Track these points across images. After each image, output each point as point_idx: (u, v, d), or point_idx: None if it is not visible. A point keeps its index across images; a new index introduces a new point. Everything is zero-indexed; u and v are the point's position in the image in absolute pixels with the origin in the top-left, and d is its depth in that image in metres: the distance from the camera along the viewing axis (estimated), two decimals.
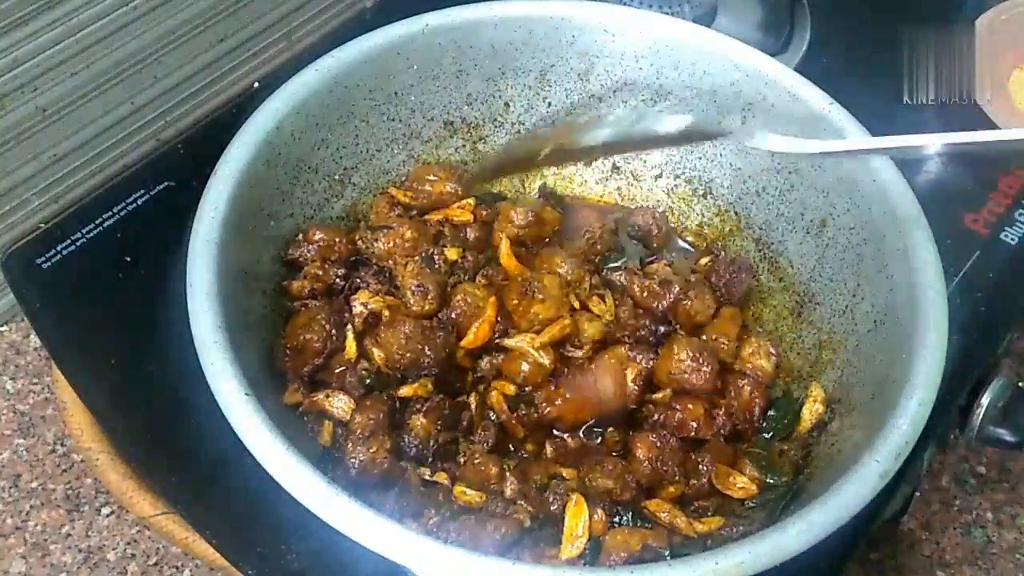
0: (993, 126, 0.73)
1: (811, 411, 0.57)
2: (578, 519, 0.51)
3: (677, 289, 0.59)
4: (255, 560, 0.53)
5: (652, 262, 0.64)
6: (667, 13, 0.75)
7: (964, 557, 0.72)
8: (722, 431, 0.56)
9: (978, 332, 0.63)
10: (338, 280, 0.59)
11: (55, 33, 0.64)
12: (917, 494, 0.72)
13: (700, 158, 0.66)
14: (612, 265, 0.63)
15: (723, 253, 0.65)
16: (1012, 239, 0.70)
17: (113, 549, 0.66)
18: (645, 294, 0.60)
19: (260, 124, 0.57)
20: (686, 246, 0.67)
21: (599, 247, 0.64)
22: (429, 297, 0.56)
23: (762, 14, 0.80)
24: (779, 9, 0.81)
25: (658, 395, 0.57)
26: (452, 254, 0.62)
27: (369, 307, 0.57)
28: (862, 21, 0.84)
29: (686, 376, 0.56)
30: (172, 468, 0.57)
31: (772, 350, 0.60)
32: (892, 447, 0.46)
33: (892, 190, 0.56)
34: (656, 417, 0.56)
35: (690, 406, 0.56)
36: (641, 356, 0.58)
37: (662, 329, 0.60)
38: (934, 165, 0.74)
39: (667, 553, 0.50)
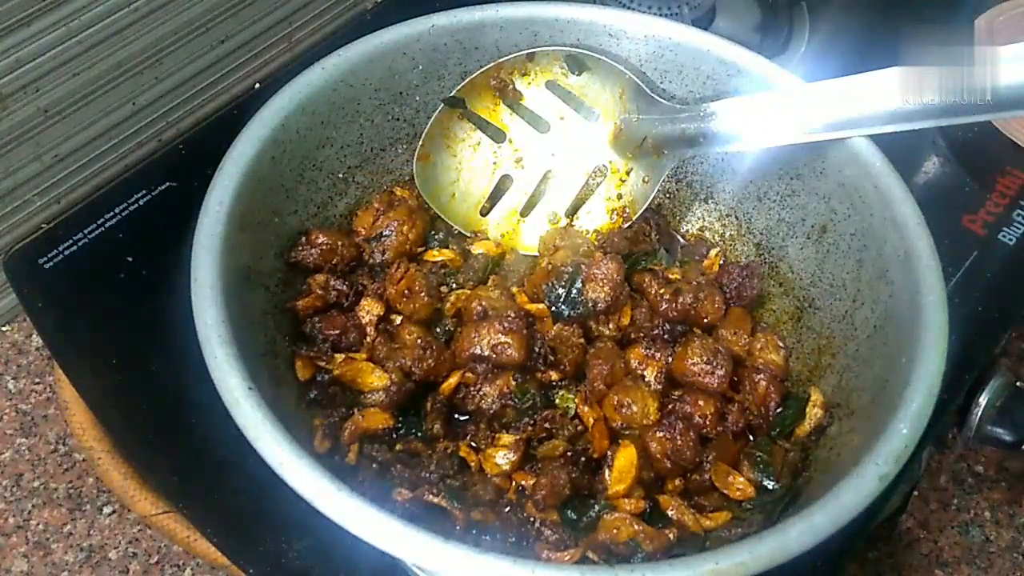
0: (992, 126, 0.73)
1: (810, 415, 0.57)
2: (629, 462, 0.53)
3: (691, 298, 0.60)
4: (256, 558, 0.54)
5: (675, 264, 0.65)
6: (666, 15, 0.75)
7: (962, 556, 0.72)
8: (734, 427, 0.56)
9: (976, 332, 0.64)
10: (343, 297, 0.59)
11: (57, 34, 0.64)
12: (915, 493, 0.73)
13: (702, 163, 0.67)
14: (640, 267, 0.63)
15: (725, 258, 0.66)
16: (1010, 239, 0.70)
17: (115, 548, 0.66)
18: (659, 300, 0.60)
19: (266, 121, 0.57)
20: (686, 242, 0.68)
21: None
22: (428, 361, 0.56)
23: (760, 16, 0.81)
24: (777, 11, 0.81)
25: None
26: (447, 254, 0.63)
27: (375, 314, 0.58)
28: (860, 22, 0.84)
29: (699, 379, 0.56)
30: (173, 467, 0.57)
31: (780, 343, 0.60)
32: (892, 450, 0.46)
33: (893, 196, 0.56)
34: (669, 407, 0.57)
35: (700, 402, 0.56)
36: (660, 353, 0.58)
37: (678, 328, 0.60)
38: (932, 166, 0.75)
39: (641, 557, 0.51)
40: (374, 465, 0.54)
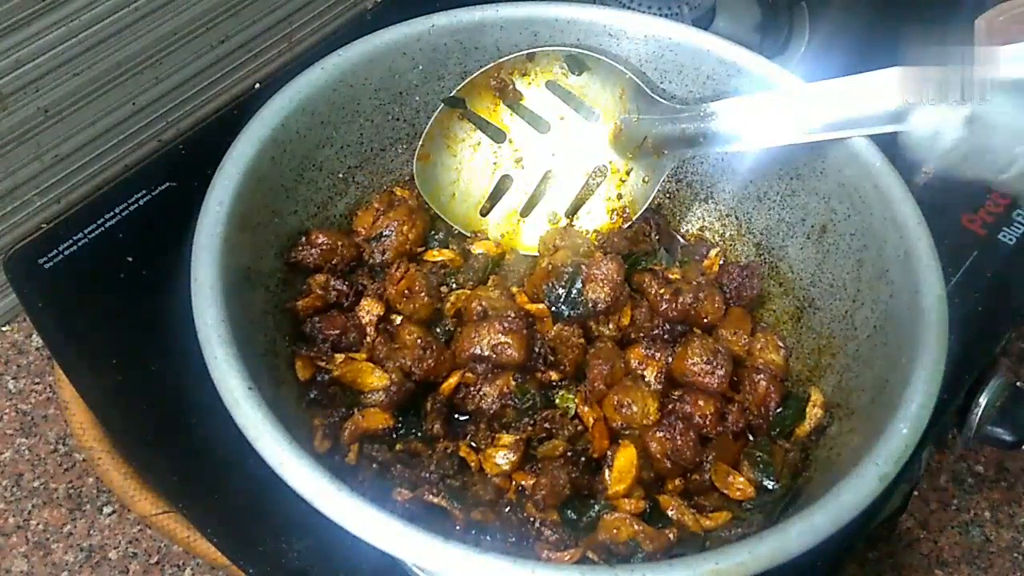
0: None
1: (810, 415, 0.57)
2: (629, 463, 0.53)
3: (691, 298, 0.60)
4: (256, 558, 0.54)
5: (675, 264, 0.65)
6: (666, 15, 0.75)
7: (962, 556, 0.73)
8: (734, 427, 0.56)
9: (976, 332, 0.64)
10: (343, 297, 0.59)
11: (57, 34, 0.64)
12: (915, 493, 0.73)
13: (702, 163, 0.67)
14: (640, 267, 0.63)
15: (725, 258, 0.66)
16: (1010, 239, 0.70)
17: (115, 548, 0.66)
18: (659, 300, 0.60)
19: (266, 121, 0.57)
20: (686, 242, 0.68)
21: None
22: (428, 361, 0.56)
23: (760, 16, 0.81)
24: (777, 11, 0.81)
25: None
26: (447, 254, 0.63)
27: (375, 314, 0.58)
28: (860, 22, 0.84)
29: (700, 379, 0.56)
30: (173, 467, 0.57)
31: (780, 343, 0.60)
32: (892, 451, 0.46)
33: (893, 196, 0.56)
34: (669, 407, 0.57)
35: (700, 402, 0.56)
36: (660, 353, 0.58)
37: (678, 328, 0.60)
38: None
39: (641, 557, 0.51)
40: (374, 465, 0.54)
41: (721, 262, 0.65)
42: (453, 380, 0.56)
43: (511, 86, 0.64)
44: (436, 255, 0.63)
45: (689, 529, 0.53)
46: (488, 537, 0.51)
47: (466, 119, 0.65)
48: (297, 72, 0.60)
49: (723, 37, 0.63)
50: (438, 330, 0.60)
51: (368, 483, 0.52)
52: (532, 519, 0.53)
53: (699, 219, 0.68)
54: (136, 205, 0.67)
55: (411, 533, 0.42)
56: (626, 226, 0.65)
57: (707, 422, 0.55)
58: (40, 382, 0.73)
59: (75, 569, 0.65)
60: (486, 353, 0.56)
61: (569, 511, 0.53)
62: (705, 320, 0.60)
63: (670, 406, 0.56)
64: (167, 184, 0.68)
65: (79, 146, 0.70)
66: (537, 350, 0.57)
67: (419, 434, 0.56)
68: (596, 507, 0.53)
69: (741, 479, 0.55)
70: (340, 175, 0.63)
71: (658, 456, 0.54)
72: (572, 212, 0.66)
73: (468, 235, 0.65)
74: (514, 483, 0.54)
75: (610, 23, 0.64)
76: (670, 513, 0.54)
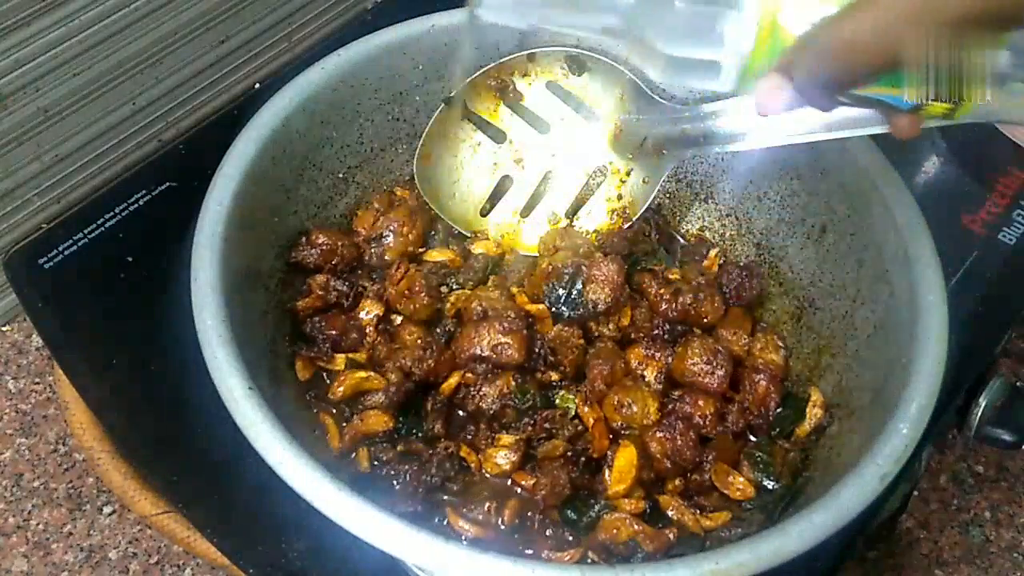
0: (992, 126, 0.73)
1: (810, 415, 0.57)
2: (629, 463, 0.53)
3: (691, 298, 0.60)
4: (256, 558, 0.54)
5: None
6: None
7: (962, 556, 0.73)
8: (734, 427, 0.56)
9: (976, 332, 0.64)
10: (343, 297, 0.59)
11: (57, 34, 0.64)
12: (915, 493, 0.73)
13: (702, 162, 0.67)
14: (640, 267, 0.63)
15: (724, 258, 0.66)
16: (1010, 239, 0.70)
17: (115, 548, 0.66)
18: (659, 300, 0.60)
19: (266, 121, 0.57)
20: (686, 242, 0.68)
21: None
22: (428, 361, 0.56)
23: None
24: None
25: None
26: (447, 254, 0.63)
27: (375, 314, 0.58)
28: None
29: (700, 379, 0.56)
30: (173, 467, 0.57)
31: (780, 343, 0.60)
32: (892, 450, 0.47)
33: (893, 196, 0.56)
34: (669, 408, 0.57)
35: (700, 402, 0.56)
36: (660, 353, 0.58)
37: (678, 328, 0.60)
38: (932, 166, 0.75)
39: (641, 557, 0.51)
40: (376, 464, 0.54)
41: (721, 262, 0.65)
42: (453, 380, 0.56)
43: (511, 86, 0.64)
44: (436, 255, 0.63)
45: (689, 529, 0.53)
46: None
47: (466, 119, 0.65)
48: (297, 72, 0.60)
49: None
50: (438, 330, 0.60)
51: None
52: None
53: (699, 219, 0.68)
54: (136, 205, 0.66)
55: (411, 533, 0.42)
56: (626, 226, 0.65)
57: (707, 422, 0.55)
58: (40, 382, 0.73)
59: (75, 569, 0.65)
60: (486, 353, 0.56)
61: (569, 511, 0.53)
62: (705, 320, 0.60)
63: (670, 406, 0.56)
64: (167, 184, 0.67)
65: (79, 146, 0.70)
66: (537, 350, 0.57)
67: (419, 434, 0.56)
68: (596, 507, 0.53)
69: (741, 479, 0.55)
70: (340, 175, 0.63)
71: (658, 456, 0.54)
72: (572, 212, 0.66)
73: (468, 235, 0.65)
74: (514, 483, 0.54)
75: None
76: (670, 513, 0.54)
